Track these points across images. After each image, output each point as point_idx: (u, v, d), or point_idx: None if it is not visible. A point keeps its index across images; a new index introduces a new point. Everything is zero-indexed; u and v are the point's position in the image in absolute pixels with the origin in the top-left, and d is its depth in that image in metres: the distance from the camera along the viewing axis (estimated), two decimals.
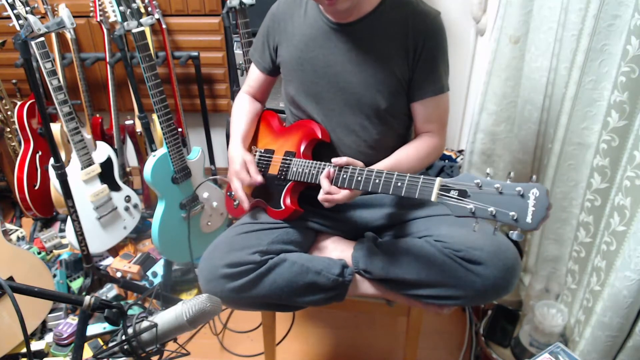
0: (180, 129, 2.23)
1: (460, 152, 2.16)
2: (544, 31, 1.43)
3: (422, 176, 0.98)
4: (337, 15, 1.20)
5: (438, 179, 0.95)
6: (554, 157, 1.39)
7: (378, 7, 1.19)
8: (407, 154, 1.25)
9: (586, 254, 1.31)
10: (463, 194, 0.91)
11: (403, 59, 1.19)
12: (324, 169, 1.17)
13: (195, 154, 1.84)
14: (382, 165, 1.19)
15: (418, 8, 1.19)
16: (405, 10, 1.19)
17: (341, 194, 1.10)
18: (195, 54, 2.12)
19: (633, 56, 1.05)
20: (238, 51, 1.98)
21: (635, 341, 1.14)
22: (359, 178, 1.08)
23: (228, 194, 1.47)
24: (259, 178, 1.25)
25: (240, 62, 1.98)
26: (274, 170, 1.31)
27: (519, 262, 1.13)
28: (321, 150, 1.29)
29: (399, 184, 1.01)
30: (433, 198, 0.94)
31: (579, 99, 1.25)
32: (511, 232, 0.87)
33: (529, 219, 0.84)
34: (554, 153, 1.39)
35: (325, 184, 1.11)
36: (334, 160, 1.11)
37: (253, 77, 1.43)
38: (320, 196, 1.13)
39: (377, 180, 1.05)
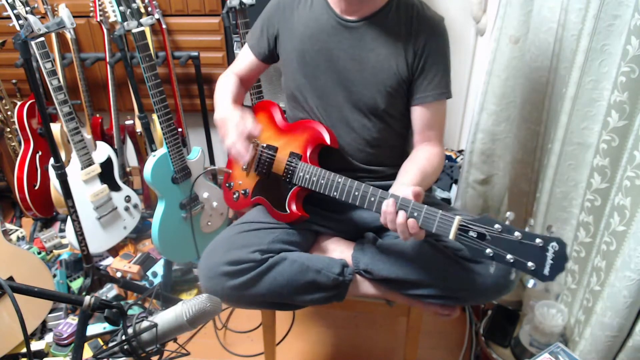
0: (180, 129, 2.23)
1: (460, 152, 2.16)
2: (544, 31, 1.43)
3: (440, 211, 0.97)
4: (352, 3, 1.19)
5: (457, 218, 0.94)
6: (554, 157, 1.38)
7: (384, 7, 1.20)
8: (424, 169, 1.19)
9: (586, 254, 1.31)
10: (481, 236, 0.91)
11: (405, 60, 1.20)
12: (333, 181, 1.15)
13: (195, 154, 1.84)
14: (408, 183, 1.12)
15: (422, 12, 1.20)
16: (411, 13, 1.20)
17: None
18: (195, 54, 2.12)
19: (633, 56, 1.05)
20: (238, 51, 1.97)
21: (635, 341, 1.14)
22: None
23: (227, 185, 1.43)
24: (259, 126, 1.19)
25: None
26: (277, 169, 1.29)
27: None
28: (324, 150, 1.28)
29: (415, 214, 0.99)
30: (451, 237, 0.94)
31: (579, 99, 1.25)
32: (527, 279, 0.90)
33: (546, 271, 0.86)
34: (554, 153, 1.38)
35: (402, 218, 1.01)
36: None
37: (244, 60, 1.39)
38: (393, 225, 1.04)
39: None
